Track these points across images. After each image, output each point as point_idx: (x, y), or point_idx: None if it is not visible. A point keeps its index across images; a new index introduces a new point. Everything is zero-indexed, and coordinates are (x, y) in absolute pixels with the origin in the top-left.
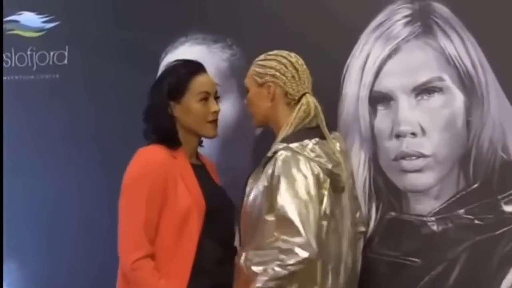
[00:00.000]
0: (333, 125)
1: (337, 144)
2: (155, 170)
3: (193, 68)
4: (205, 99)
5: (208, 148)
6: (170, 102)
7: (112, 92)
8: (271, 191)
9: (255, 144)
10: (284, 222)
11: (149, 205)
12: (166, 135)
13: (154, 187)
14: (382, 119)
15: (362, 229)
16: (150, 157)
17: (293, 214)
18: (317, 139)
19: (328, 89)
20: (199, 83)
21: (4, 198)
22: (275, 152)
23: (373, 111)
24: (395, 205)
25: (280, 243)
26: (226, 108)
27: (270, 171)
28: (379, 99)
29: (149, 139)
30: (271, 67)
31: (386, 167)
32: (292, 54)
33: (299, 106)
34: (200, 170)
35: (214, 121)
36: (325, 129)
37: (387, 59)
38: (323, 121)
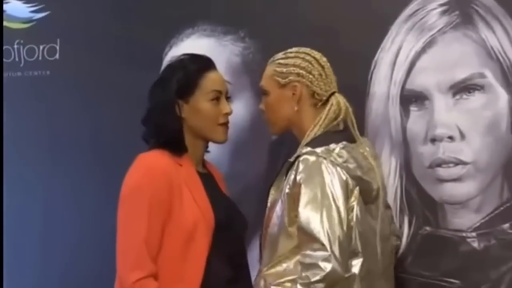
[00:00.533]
0: (359, 129)
1: (367, 149)
2: (158, 178)
3: (204, 63)
4: (216, 98)
5: (216, 155)
6: (178, 101)
7: (109, 91)
8: (293, 200)
9: (270, 150)
10: (307, 235)
11: (151, 218)
12: (172, 138)
13: (157, 198)
14: (416, 121)
15: (397, 242)
16: (152, 164)
17: (317, 226)
18: (344, 142)
19: (354, 88)
20: (210, 80)
21: None
22: (298, 157)
23: (405, 112)
24: (430, 219)
25: (303, 258)
26: (238, 109)
27: (292, 177)
28: (411, 98)
29: (151, 144)
30: (295, 65)
31: (420, 175)
32: (314, 51)
33: (328, 106)
34: (207, 179)
35: (225, 124)
36: (356, 132)
37: (421, 53)
38: (354, 123)
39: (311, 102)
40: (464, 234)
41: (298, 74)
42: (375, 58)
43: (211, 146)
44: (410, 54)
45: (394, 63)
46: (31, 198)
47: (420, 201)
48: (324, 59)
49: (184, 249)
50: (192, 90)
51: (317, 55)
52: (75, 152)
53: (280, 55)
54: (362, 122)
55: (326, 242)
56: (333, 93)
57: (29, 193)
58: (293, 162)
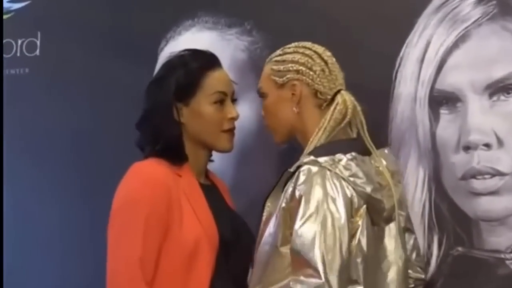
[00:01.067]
0: (382, 135)
1: (384, 162)
2: (155, 191)
3: (207, 61)
4: (220, 101)
5: (220, 164)
6: (177, 104)
7: (97, 91)
8: (290, 216)
9: (281, 158)
10: (300, 258)
11: (146, 236)
12: (170, 146)
13: (154, 213)
14: (446, 126)
15: (420, 275)
16: (148, 174)
17: (312, 247)
18: (354, 153)
19: (376, 88)
20: (214, 80)
21: None
22: (299, 167)
23: (434, 116)
24: (463, 237)
25: (294, 284)
26: (244, 112)
27: (290, 190)
28: (442, 100)
29: (146, 151)
30: (293, 61)
31: (451, 188)
32: (316, 45)
33: (333, 106)
34: (211, 191)
35: (231, 131)
36: (366, 137)
37: (452, 48)
38: (364, 125)
39: (314, 103)
40: (502, 256)
41: (297, 71)
42: (400, 55)
43: (215, 155)
44: (440, 49)
45: (422, 60)
46: (10, 199)
47: (452, 218)
48: (328, 53)
49: (185, 271)
50: (193, 91)
51: (319, 48)
52: (58, 160)
53: (278, 51)
54: (385, 128)
55: (321, 268)
56: (339, 91)
57: (8, 194)
58: (293, 173)
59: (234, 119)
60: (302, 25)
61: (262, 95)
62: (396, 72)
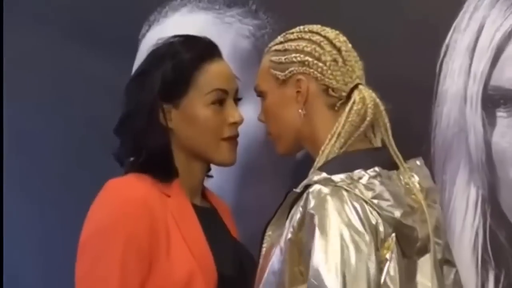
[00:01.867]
0: (424, 145)
1: (415, 178)
2: (135, 215)
3: (203, 50)
4: (219, 101)
5: (218, 180)
6: (163, 105)
7: (66, 88)
8: (298, 249)
9: (294, 173)
10: None
11: (125, 271)
12: (155, 157)
13: (132, 243)
14: (505, 133)
15: None
16: (125, 194)
17: None
18: (377, 168)
19: (414, 84)
20: (212, 75)
21: None
22: (307, 187)
23: (489, 120)
24: None
25: None
26: (249, 115)
27: (298, 217)
28: (499, 99)
29: (126, 165)
30: (298, 50)
31: (511, 211)
32: (327, 29)
33: (349, 105)
34: (208, 215)
35: (233, 139)
36: (392, 146)
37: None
38: (388, 130)
39: (325, 102)
40: None
41: (302, 63)
42: (446, 42)
43: (213, 169)
44: (496, 36)
45: (473, 49)
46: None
47: None
48: (342, 38)
49: None
50: (185, 90)
51: (330, 33)
52: (20, 171)
53: (278, 38)
54: (427, 135)
55: None
56: (356, 86)
57: None
58: (300, 194)
59: (237, 124)
60: (321, 3)
61: (260, 94)
62: (441, 64)
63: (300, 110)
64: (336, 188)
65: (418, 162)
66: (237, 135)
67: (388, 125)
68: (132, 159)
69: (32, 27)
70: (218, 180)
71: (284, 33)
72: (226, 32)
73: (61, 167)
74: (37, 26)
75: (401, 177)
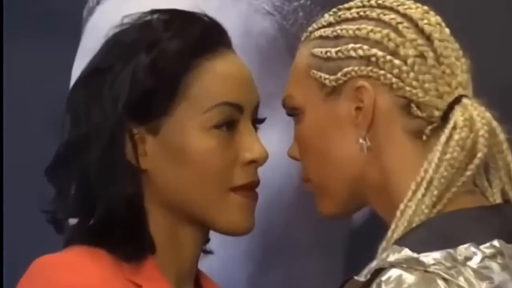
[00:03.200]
0: None
1: None
2: None
3: (200, 37)
4: (228, 124)
5: (224, 259)
6: (132, 129)
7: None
8: None
9: (349, 246)
10: None
11: None
12: (117, 221)
13: None
14: None
15: None
16: (64, 284)
17: None
18: (497, 242)
19: None
20: (215, 80)
21: None
22: (378, 272)
23: None
24: None
25: None
26: (272, 145)
27: None
28: None
29: (67, 232)
30: (358, 38)
31: None
32: (408, 2)
33: (447, 133)
34: None
35: (250, 189)
36: None
37: None
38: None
39: (405, 127)
40: None
41: (366, 60)
42: None
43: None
44: None
45: None
46: None
47: None
48: (434, 18)
49: None
50: (170, 103)
51: (415, 10)
52: None
53: (326, 17)
54: None
55: None
56: (458, 100)
57: None
58: (367, 284)
59: (257, 163)
60: None
61: (292, 111)
62: None
63: (361, 140)
64: (427, 276)
65: None
66: (256, 183)
67: (511, 163)
68: (77, 221)
69: None
70: (222, 260)
71: (336, 8)
72: (232, 3)
73: None
74: None
75: None
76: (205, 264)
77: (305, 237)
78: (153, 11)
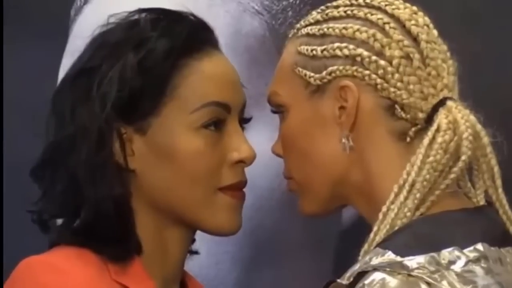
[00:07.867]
0: None
1: None
2: None
3: (188, 36)
4: (215, 124)
5: (211, 259)
6: (120, 129)
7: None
8: None
9: (335, 247)
10: None
11: None
12: (103, 221)
13: None
14: None
15: None
16: (50, 284)
17: None
18: (481, 245)
19: None
20: (203, 79)
21: None
22: (360, 275)
23: None
24: None
25: None
26: (260, 144)
27: None
28: None
29: (53, 232)
30: (344, 37)
31: None
32: (399, 1)
33: (430, 135)
34: None
35: (237, 189)
36: (504, 207)
37: None
38: (496, 177)
39: (389, 128)
40: None
41: (351, 59)
42: None
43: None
44: None
45: None
46: None
47: None
48: (422, 18)
49: None
50: (157, 103)
51: (403, 10)
52: None
53: (313, 14)
54: None
55: None
56: (442, 102)
57: None
58: (351, 287)
59: (244, 162)
60: None
61: (277, 108)
62: None
63: (344, 140)
64: (411, 280)
65: None
66: (244, 183)
67: (496, 169)
68: (62, 221)
69: None
70: (210, 260)
71: (324, 7)
72: (221, 3)
73: None
74: None
75: None
76: (194, 265)
77: (294, 237)
78: (140, 10)
